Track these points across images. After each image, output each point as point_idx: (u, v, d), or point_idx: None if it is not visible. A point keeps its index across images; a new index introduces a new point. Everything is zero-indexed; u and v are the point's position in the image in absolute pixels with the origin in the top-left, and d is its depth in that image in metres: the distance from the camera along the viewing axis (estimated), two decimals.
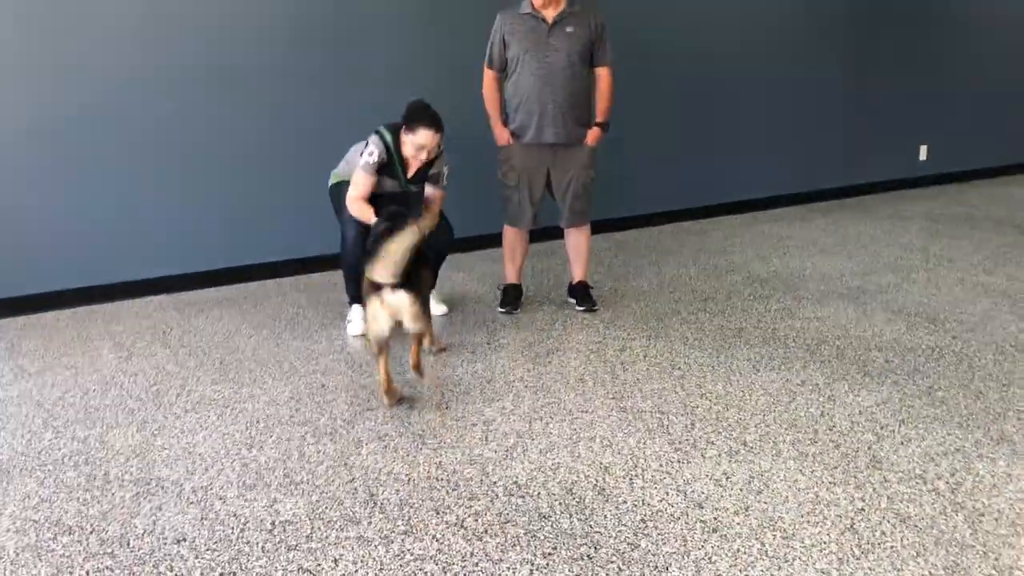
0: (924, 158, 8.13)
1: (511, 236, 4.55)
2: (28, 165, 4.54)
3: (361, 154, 4.04)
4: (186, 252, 4.99)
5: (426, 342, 3.73)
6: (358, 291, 4.20)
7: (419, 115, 3.94)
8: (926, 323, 4.23)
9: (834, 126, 7.45)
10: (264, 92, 5.02)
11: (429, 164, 4.11)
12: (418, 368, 3.54)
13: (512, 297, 4.58)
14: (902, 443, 2.99)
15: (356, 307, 4.24)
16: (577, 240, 4.57)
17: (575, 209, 4.46)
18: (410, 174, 4.14)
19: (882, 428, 3.10)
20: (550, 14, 4.18)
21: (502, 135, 4.35)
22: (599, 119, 4.38)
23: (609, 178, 6.26)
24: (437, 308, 4.53)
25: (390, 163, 4.06)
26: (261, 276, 5.18)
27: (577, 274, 4.63)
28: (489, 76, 4.36)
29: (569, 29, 4.19)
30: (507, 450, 2.97)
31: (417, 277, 3.34)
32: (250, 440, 3.10)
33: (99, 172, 4.70)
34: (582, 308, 4.53)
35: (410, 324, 3.33)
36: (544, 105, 4.24)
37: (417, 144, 3.97)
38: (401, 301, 3.27)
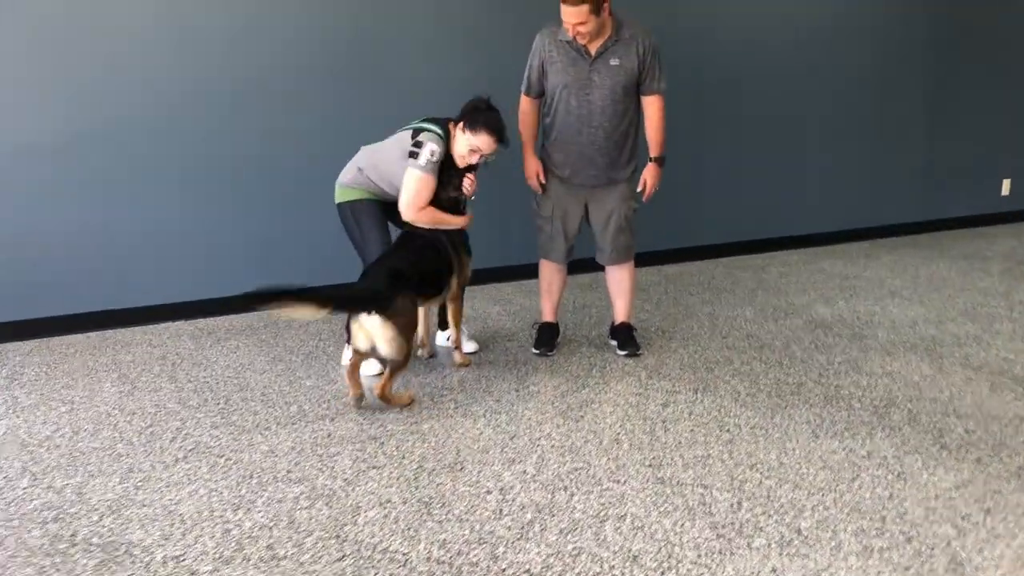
0: (1007, 193, 7.55)
1: (546, 270, 4.19)
2: (42, 184, 4.32)
3: (415, 155, 3.63)
4: (207, 276, 4.73)
5: (390, 380, 3.50)
6: None
7: (486, 119, 3.65)
8: (1012, 384, 3.75)
9: (907, 155, 6.93)
10: (291, 114, 4.75)
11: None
12: (384, 398, 3.47)
13: (547, 337, 4.21)
14: (988, 540, 2.54)
15: None
16: (620, 278, 4.18)
17: (617, 245, 4.08)
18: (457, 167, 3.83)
19: (963, 519, 2.65)
20: (594, 46, 3.79)
21: (531, 168, 4.00)
22: (654, 154, 4.00)
23: (660, 206, 5.87)
24: (468, 345, 4.19)
25: (444, 162, 3.74)
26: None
27: (620, 315, 4.24)
28: (526, 103, 4.00)
29: (614, 62, 3.79)
30: (523, 527, 2.59)
31: (392, 303, 3.40)
32: (239, 500, 2.78)
33: (117, 192, 4.47)
34: (624, 353, 4.14)
35: (383, 348, 3.39)
36: (583, 147, 3.90)
37: (474, 147, 3.68)
38: (373, 325, 3.36)
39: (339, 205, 3.89)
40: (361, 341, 3.44)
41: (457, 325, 3.99)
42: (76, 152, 4.35)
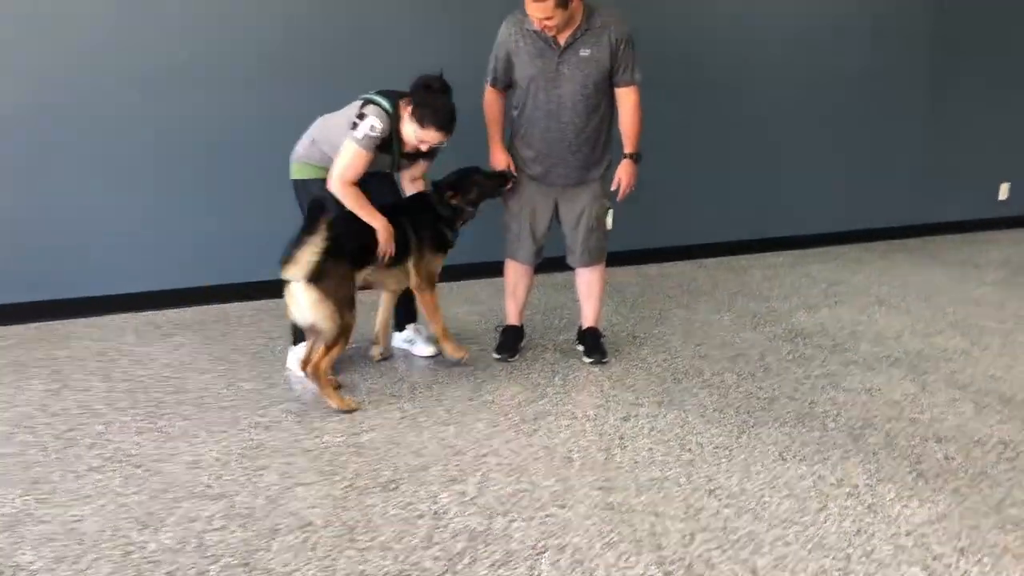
0: (1004, 197, 7.28)
1: (511, 271, 3.96)
2: None
3: (355, 127, 3.36)
4: (157, 267, 4.49)
5: (324, 354, 3.33)
6: None
7: (433, 112, 3.36)
8: (999, 406, 3.52)
9: (901, 156, 6.67)
10: (251, 97, 4.50)
11: None
12: (314, 376, 3.33)
13: (510, 342, 3.98)
14: None
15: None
16: (590, 280, 3.95)
17: (588, 247, 3.85)
18: (410, 149, 3.55)
19: (935, 559, 2.42)
20: (562, 36, 3.51)
21: (499, 159, 3.74)
22: (628, 150, 3.73)
23: (642, 204, 5.63)
24: (424, 348, 3.95)
25: (388, 137, 3.45)
26: (239, 297, 4.65)
27: (588, 319, 4.01)
28: (491, 94, 3.73)
29: (584, 52, 3.52)
30: (451, 559, 2.36)
31: (320, 271, 3.21)
32: (148, 517, 2.55)
33: (61, 173, 4.23)
34: (590, 359, 3.91)
35: (309, 315, 3.26)
36: (552, 144, 3.65)
37: (421, 139, 3.43)
38: (298, 290, 3.23)
39: (294, 182, 3.63)
40: (293, 311, 3.30)
41: (433, 319, 3.73)
42: (16, 132, 4.10)
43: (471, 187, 3.70)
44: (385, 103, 3.41)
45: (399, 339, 4.05)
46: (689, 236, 5.94)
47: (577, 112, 3.60)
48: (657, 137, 5.56)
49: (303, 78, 4.56)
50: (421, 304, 3.75)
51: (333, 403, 3.34)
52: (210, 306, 4.56)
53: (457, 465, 2.90)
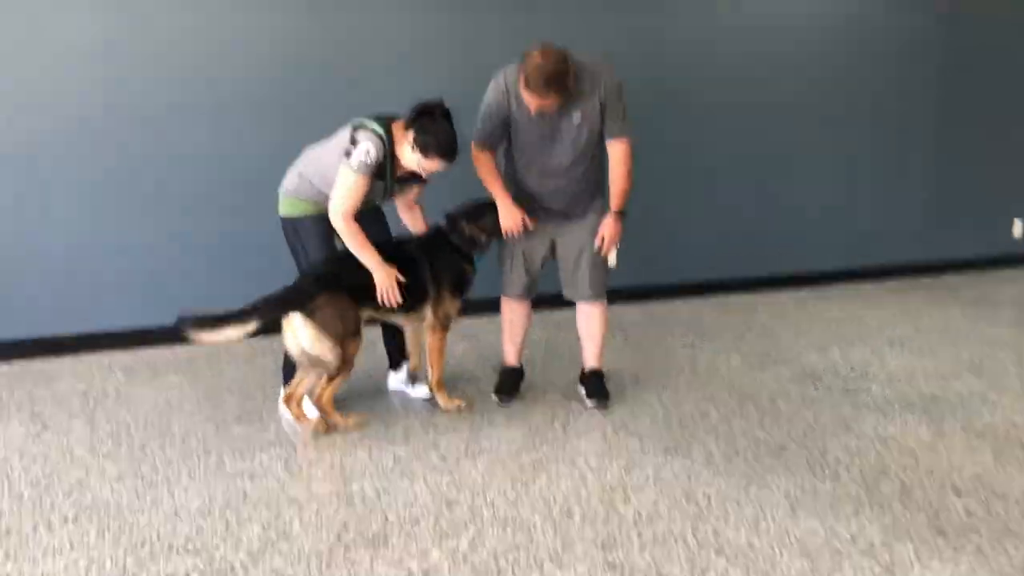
0: (1019, 235, 7.14)
1: (507, 308, 3.83)
2: None
3: (349, 154, 3.24)
4: (147, 303, 4.37)
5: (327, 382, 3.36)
6: None
7: (437, 142, 3.24)
8: (1020, 453, 3.36)
9: (913, 191, 6.55)
10: (244, 133, 4.40)
11: None
12: (320, 406, 3.37)
13: (509, 384, 3.84)
14: None
15: None
16: (590, 319, 3.81)
17: (589, 282, 3.72)
18: (401, 173, 3.44)
19: None
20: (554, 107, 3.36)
21: (514, 214, 3.54)
22: (615, 207, 3.58)
23: (646, 240, 5.55)
24: (422, 390, 3.82)
25: (381, 166, 3.32)
26: None
27: (589, 360, 3.87)
28: (481, 155, 3.53)
29: (576, 117, 3.39)
30: None
31: (313, 300, 3.24)
32: (121, 574, 2.40)
33: (50, 208, 4.13)
34: (592, 403, 3.77)
35: (309, 349, 3.24)
36: (544, 197, 3.59)
37: (424, 168, 3.33)
38: (297, 325, 3.23)
39: (282, 219, 3.49)
40: (290, 344, 3.29)
41: (434, 365, 3.64)
42: (3, 168, 4.01)
43: (487, 218, 3.58)
44: (377, 127, 3.28)
45: (395, 379, 3.92)
46: (695, 272, 5.81)
47: (572, 165, 3.52)
48: (661, 169, 5.50)
49: (301, 113, 4.47)
50: (428, 345, 3.63)
51: (341, 425, 3.41)
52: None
53: (450, 518, 2.76)
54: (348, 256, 3.37)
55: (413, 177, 3.47)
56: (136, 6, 4.10)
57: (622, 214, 3.58)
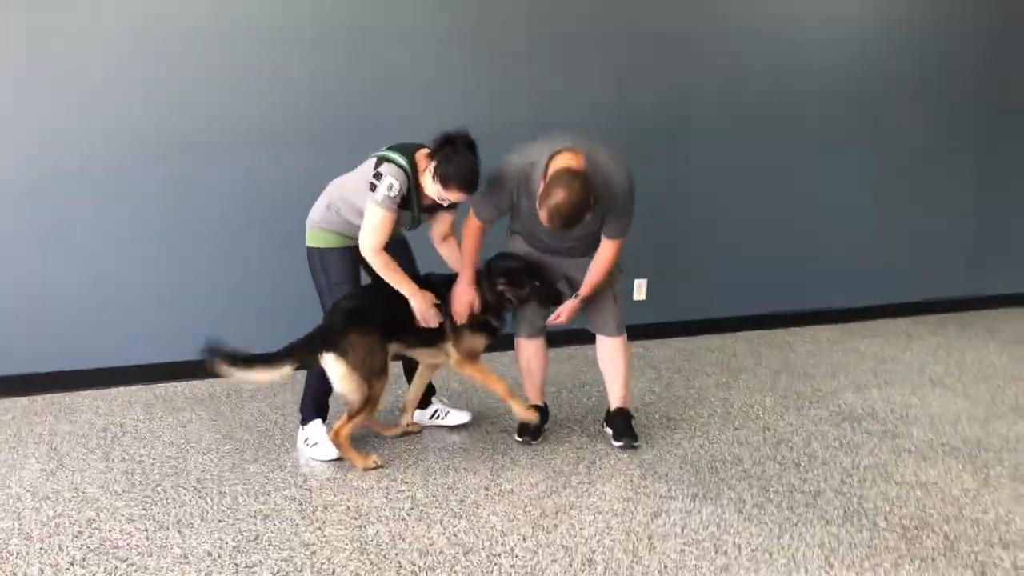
0: None
1: (522, 349, 3.74)
2: None
3: (373, 188, 3.23)
4: (169, 338, 4.33)
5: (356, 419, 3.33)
6: (326, 400, 3.48)
7: (457, 172, 3.18)
8: None
9: (954, 224, 6.38)
10: (265, 166, 4.37)
11: None
12: (336, 442, 3.33)
13: (532, 423, 3.72)
14: None
15: (318, 423, 3.48)
16: (613, 356, 3.70)
17: (615, 315, 3.63)
18: (427, 202, 3.39)
19: None
20: None
21: (466, 298, 3.46)
22: (582, 293, 3.52)
23: (678, 275, 5.44)
24: (457, 417, 3.80)
25: (407, 197, 3.30)
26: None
27: (615, 399, 3.75)
28: (474, 226, 3.45)
29: (587, 218, 3.27)
30: None
31: (343, 338, 3.24)
32: None
33: (73, 243, 4.11)
34: (619, 444, 3.64)
35: (336, 386, 3.27)
36: (551, 263, 3.58)
37: (444, 198, 3.28)
38: (328, 362, 3.24)
39: (309, 249, 3.48)
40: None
41: (493, 384, 3.57)
42: (28, 203, 4.00)
43: (524, 288, 3.52)
44: (400, 159, 3.26)
45: (424, 417, 3.84)
46: (728, 308, 5.67)
47: (575, 246, 3.50)
48: (692, 202, 5.40)
49: (322, 146, 4.43)
50: (472, 377, 3.58)
51: (358, 464, 3.34)
52: (224, 379, 4.36)
53: (466, 567, 2.64)
54: (376, 289, 3.38)
55: (440, 206, 3.41)
56: (160, 38, 4.09)
57: (585, 301, 3.55)
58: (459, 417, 3.82)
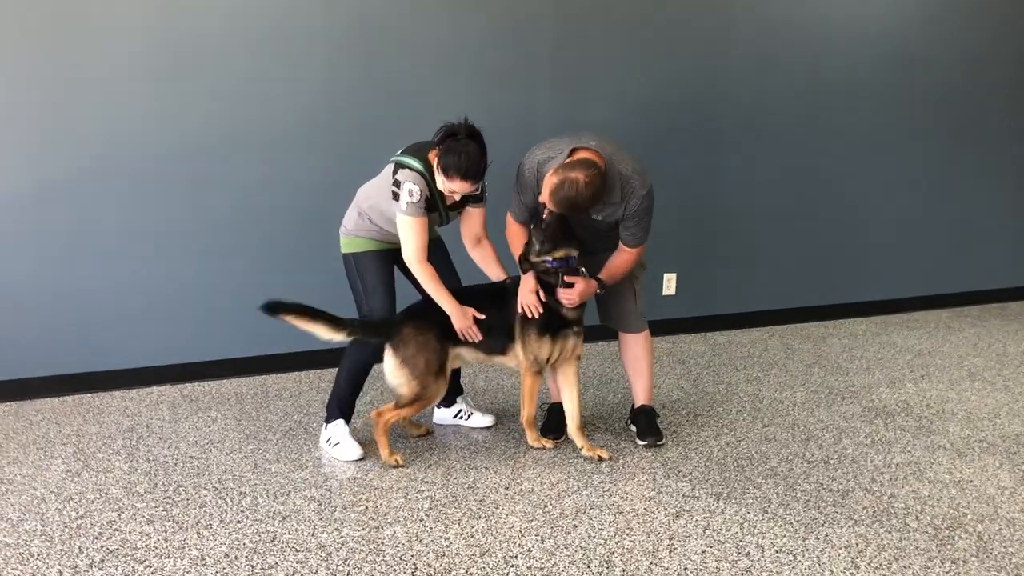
0: None
1: None
2: (20, 235, 4.01)
3: (396, 197, 3.25)
4: (197, 337, 4.36)
5: (404, 411, 3.39)
6: (353, 402, 3.47)
7: (456, 162, 3.16)
8: None
9: (998, 212, 6.19)
10: (292, 164, 4.37)
11: None
12: (378, 424, 3.36)
13: (556, 422, 3.69)
14: None
15: (342, 423, 3.47)
16: (636, 353, 3.65)
17: (636, 312, 3.59)
18: (449, 201, 3.39)
19: None
20: None
21: (530, 285, 3.39)
22: (602, 275, 3.43)
23: (710, 268, 5.35)
24: (481, 419, 3.78)
25: (432, 197, 3.31)
26: (281, 368, 4.48)
27: (639, 397, 3.70)
28: (515, 227, 3.52)
29: (597, 217, 3.31)
30: None
31: (398, 332, 3.34)
32: None
33: (101, 245, 4.14)
34: (643, 442, 3.59)
35: (388, 378, 3.36)
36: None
37: (450, 189, 3.25)
38: (386, 355, 3.34)
39: (344, 256, 3.52)
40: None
41: (525, 403, 3.53)
42: (57, 203, 4.04)
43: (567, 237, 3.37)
44: (414, 163, 3.26)
45: (447, 415, 3.82)
46: (761, 301, 5.57)
47: (593, 237, 3.45)
48: (723, 195, 5.30)
49: (344, 144, 4.42)
50: (522, 385, 3.52)
51: (383, 453, 3.36)
52: (250, 378, 4.39)
53: (481, 568, 2.61)
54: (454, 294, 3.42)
55: (466, 200, 3.42)
56: (174, 39, 4.10)
57: (602, 286, 3.44)
58: (482, 420, 3.80)
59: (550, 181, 3.10)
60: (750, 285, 5.52)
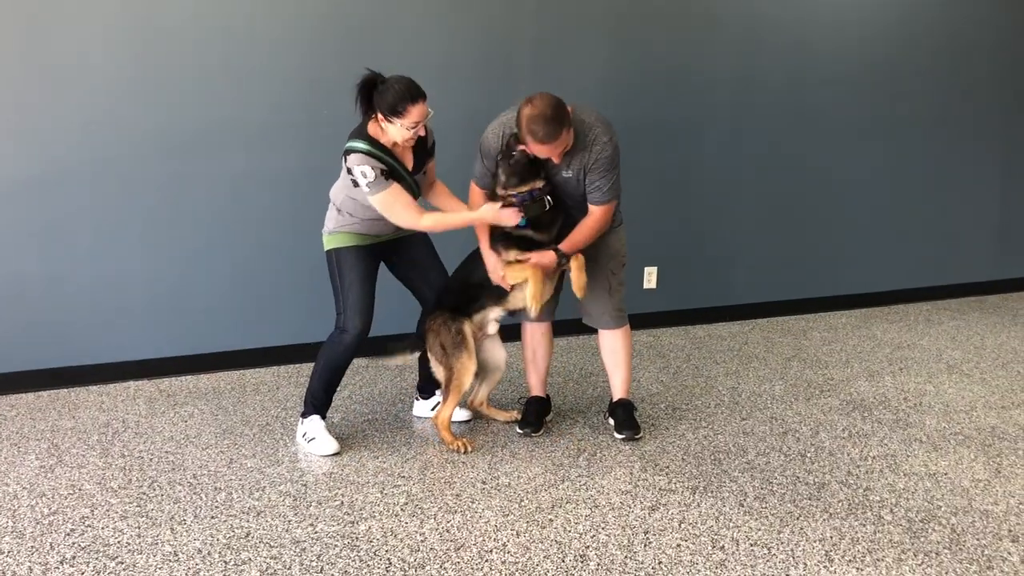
0: None
1: (527, 334, 3.70)
2: None
3: (357, 185, 3.21)
4: (174, 332, 4.33)
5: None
6: (329, 398, 3.45)
7: (398, 94, 3.12)
8: None
9: (978, 206, 6.20)
10: (268, 159, 4.34)
11: (419, 141, 3.33)
12: (437, 424, 3.52)
13: (533, 415, 3.68)
14: None
15: (317, 419, 3.45)
16: (614, 347, 3.64)
17: (609, 308, 3.56)
18: (410, 166, 3.34)
19: None
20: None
21: (493, 264, 3.42)
22: (563, 247, 3.35)
23: (690, 260, 5.35)
24: (458, 414, 3.71)
25: (390, 167, 3.24)
26: (260, 362, 4.45)
27: (617, 390, 3.69)
28: (478, 194, 3.48)
29: (567, 173, 3.29)
30: None
31: (427, 322, 3.54)
32: None
33: (77, 239, 4.10)
34: (621, 436, 3.59)
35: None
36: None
37: (411, 124, 3.16)
38: None
39: (327, 253, 3.47)
40: None
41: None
42: (29, 199, 4.00)
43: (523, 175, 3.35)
44: (358, 144, 3.21)
45: (425, 408, 3.80)
46: (742, 294, 5.57)
47: (572, 207, 3.41)
48: (704, 188, 5.30)
49: (325, 136, 4.38)
50: (530, 286, 3.37)
51: (448, 443, 3.47)
52: (228, 372, 4.37)
53: (456, 564, 2.61)
54: (456, 272, 3.59)
55: (424, 163, 3.40)
56: (162, 34, 4.06)
57: (563, 258, 3.36)
58: (458, 415, 3.74)
59: (523, 113, 3.09)
60: (731, 279, 5.52)
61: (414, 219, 3.26)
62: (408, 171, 3.32)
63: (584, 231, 3.35)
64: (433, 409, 3.78)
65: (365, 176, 3.16)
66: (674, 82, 5.11)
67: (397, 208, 3.23)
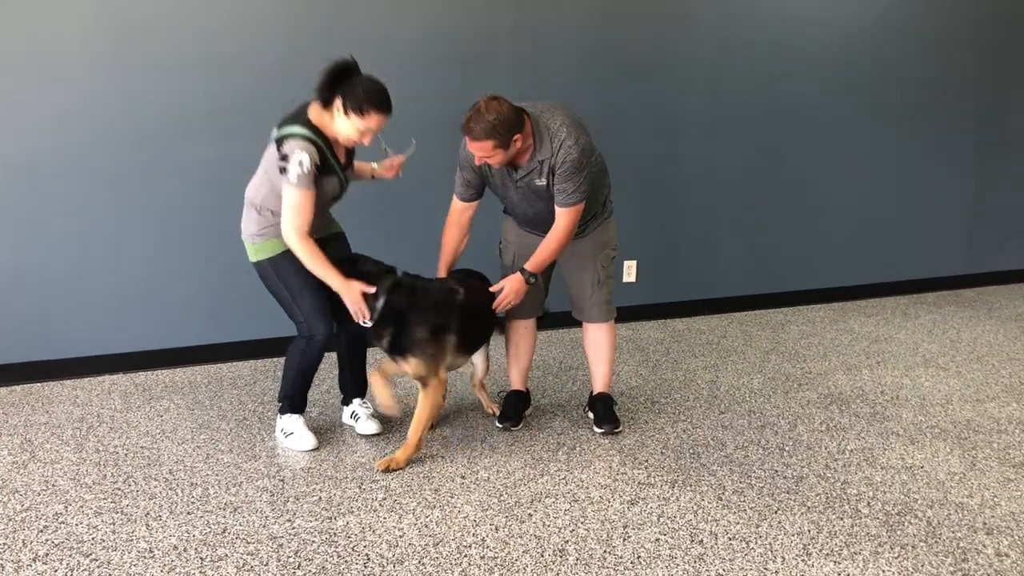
0: None
1: (512, 330, 3.68)
2: None
3: (284, 171, 3.00)
4: (150, 325, 4.28)
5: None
6: (304, 397, 3.41)
7: (368, 95, 3.00)
8: None
9: (954, 199, 6.24)
10: (243, 151, 4.28)
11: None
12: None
13: (513, 409, 3.67)
14: None
15: (295, 417, 3.41)
16: (597, 340, 3.64)
17: (596, 301, 3.55)
18: (343, 160, 3.24)
19: None
20: (522, 160, 3.23)
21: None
22: (528, 267, 3.31)
23: (669, 254, 5.36)
24: (367, 426, 3.54)
25: (324, 161, 3.09)
26: (237, 356, 4.42)
27: (598, 384, 3.69)
28: (454, 211, 3.44)
29: (540, 182, 3.22)
30: None
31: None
32: None
33: (50, 231, 4.06)
34: (600, 430, 3.59)
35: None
36: (540, 236, 3.36)
37: (365, 129, 3.06)
38: None
39: (257, 264, 3.24)
40: None
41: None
42: (2, 191, 3.94)
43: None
44: (300, 129, 3.03)
45: (345, 415, 3.66)
46: (721, 288, 5.59)
47: (553, 211, 3.31)
48: (684, 181, 5.30)
49: None
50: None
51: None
52: (205, 366, 4.33)
53: (434, 559, 2.60)
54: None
55: (350, 154, 3.29)
56: (135, 20, 4.01)
57: (530, 278, 3.33)
58: (367, 427, 3.53)
59: (473, 107, 3.07)
60: (709, 272, 5.54)
61: (298, 234, 3.04)
62: (341, 166, 3.22)
63: (550, 244, 3.27)
64: (351, 417, 3.62)
65: (302, 165, 2.98)
66: (652, 77, 5.10)
67: (300, 214, 3.02)
